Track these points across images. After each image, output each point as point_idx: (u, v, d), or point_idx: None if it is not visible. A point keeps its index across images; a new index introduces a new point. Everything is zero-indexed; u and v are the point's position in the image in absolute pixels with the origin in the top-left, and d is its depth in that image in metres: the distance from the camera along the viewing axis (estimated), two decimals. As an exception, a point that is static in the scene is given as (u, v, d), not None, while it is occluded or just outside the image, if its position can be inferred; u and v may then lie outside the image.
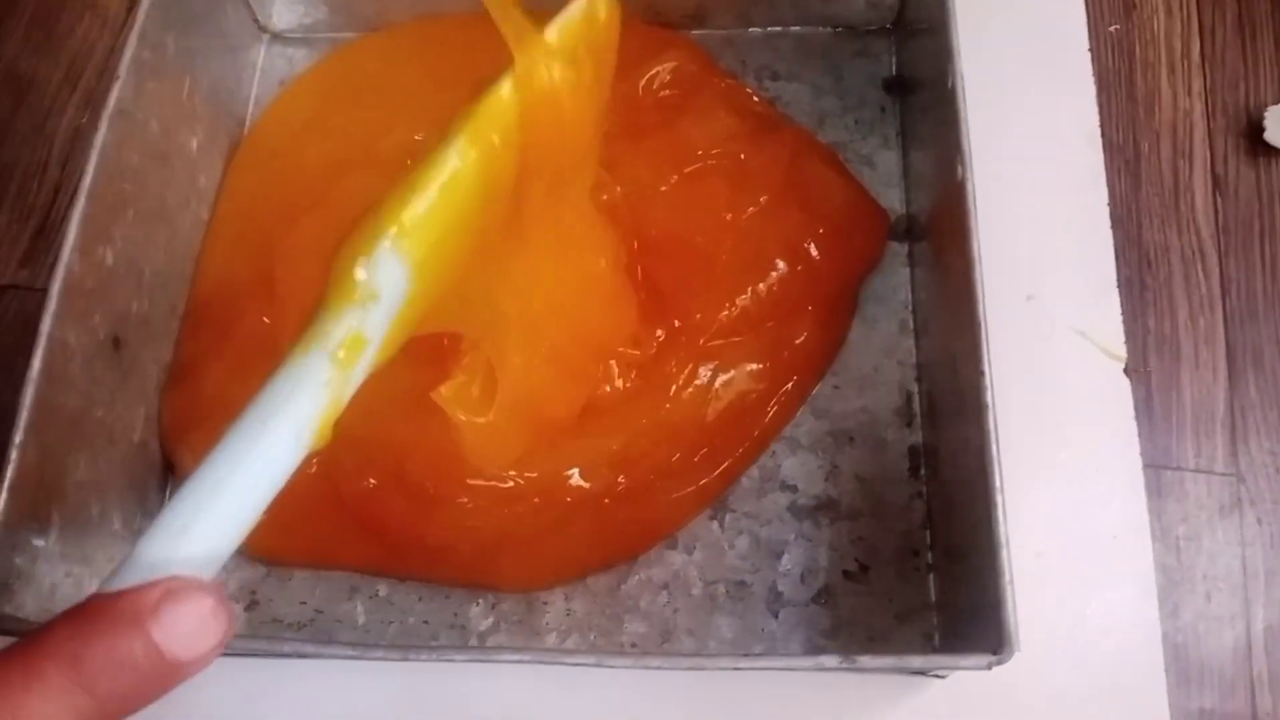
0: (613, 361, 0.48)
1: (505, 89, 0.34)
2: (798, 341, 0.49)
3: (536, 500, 0.46)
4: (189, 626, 0.23)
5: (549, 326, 0.45)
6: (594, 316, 0.47)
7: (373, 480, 0.46)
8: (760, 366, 0.49)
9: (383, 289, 0.30)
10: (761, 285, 0.49)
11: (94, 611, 0.23)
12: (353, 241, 0.30)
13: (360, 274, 0.29)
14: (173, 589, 0.24)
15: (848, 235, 0.51)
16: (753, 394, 0.49)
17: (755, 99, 0.55)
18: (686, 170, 0.51)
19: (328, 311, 0.29)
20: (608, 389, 0.48)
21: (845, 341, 0.51)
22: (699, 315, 0.48)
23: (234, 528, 0.26)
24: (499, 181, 0.35)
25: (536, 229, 0.42)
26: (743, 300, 0.49)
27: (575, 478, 0.46)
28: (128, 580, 0.24)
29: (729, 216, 0.50)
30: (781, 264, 0.49)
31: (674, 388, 0.48)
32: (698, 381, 0.48)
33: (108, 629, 0.23)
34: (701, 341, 0.48)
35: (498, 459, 0.45)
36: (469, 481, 0.46)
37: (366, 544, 0.47)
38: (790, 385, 0.49)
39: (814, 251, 0.50)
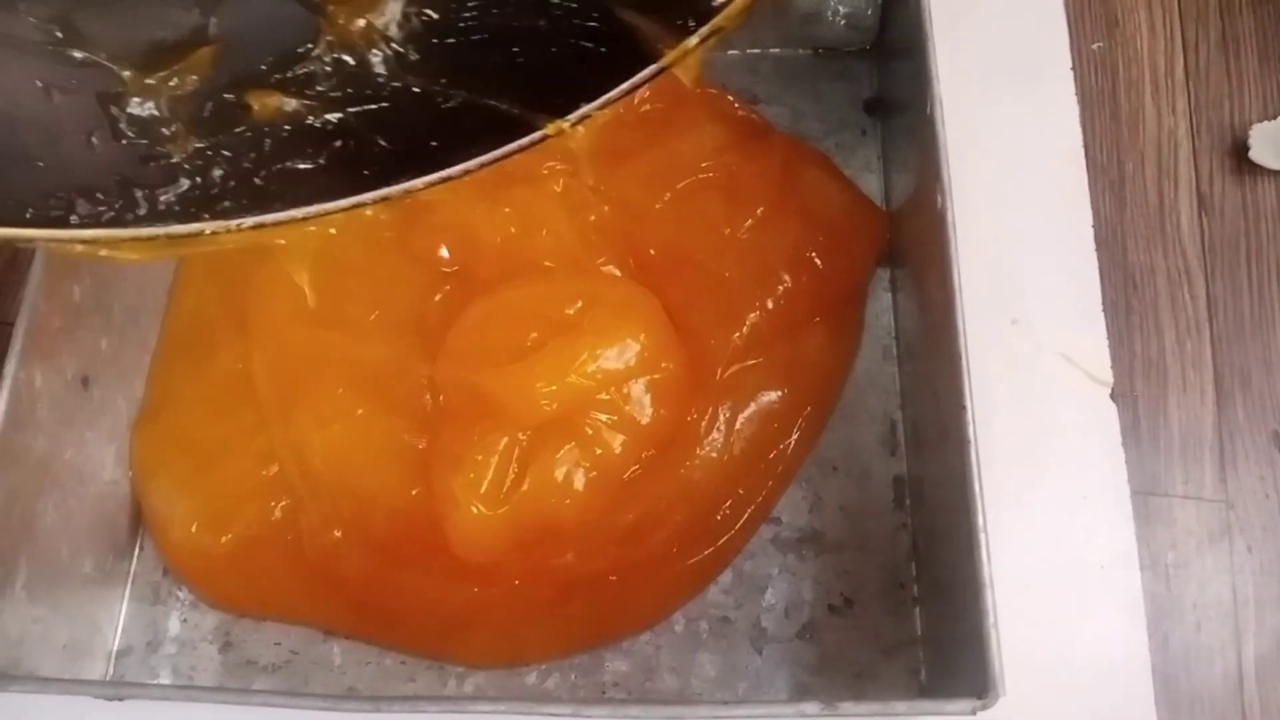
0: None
1: None
2: (813, 358, 0.48)
3: (517, 582, 0.44)
4: None
5: (606, 433, 0.44)
6: (659, 416, 0.45)
7: (337, 532, 0.45)
8: (780, 393, 0.47)
9: None
10: (769, 300, 0.47)
11: None
12: None
13: None
14: None
15: (849, 240, 0.50)
16: (775, 424, 0.47)
17: (738, 107, 0.54)
18: (679, 186, 0.50)
19: None
20: (633, 471, 0.45)
21: (859, 352, 0.50)
22: (712, 340, 0.47)
23: None
24: None
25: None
26: (753, 317, 0.47)
27: (570, 559, 0.44)
28: None
29: (728, 231, 0.49)
30: (787, 276, 0.48)
31: (695, 442, 0.46)
32: (719, 425, 0.46)
33: None
34: (719, 374, 0.47)
35: (483, 551, 0.43)
36: (440, 545, 0.44)
37: (328, 600, 0.46)
38: (810, 408, 0.48)
39: (817, 259, 0.49)
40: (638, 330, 0.44)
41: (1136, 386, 0.50)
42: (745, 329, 0.47)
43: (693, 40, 0.32)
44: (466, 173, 0.32)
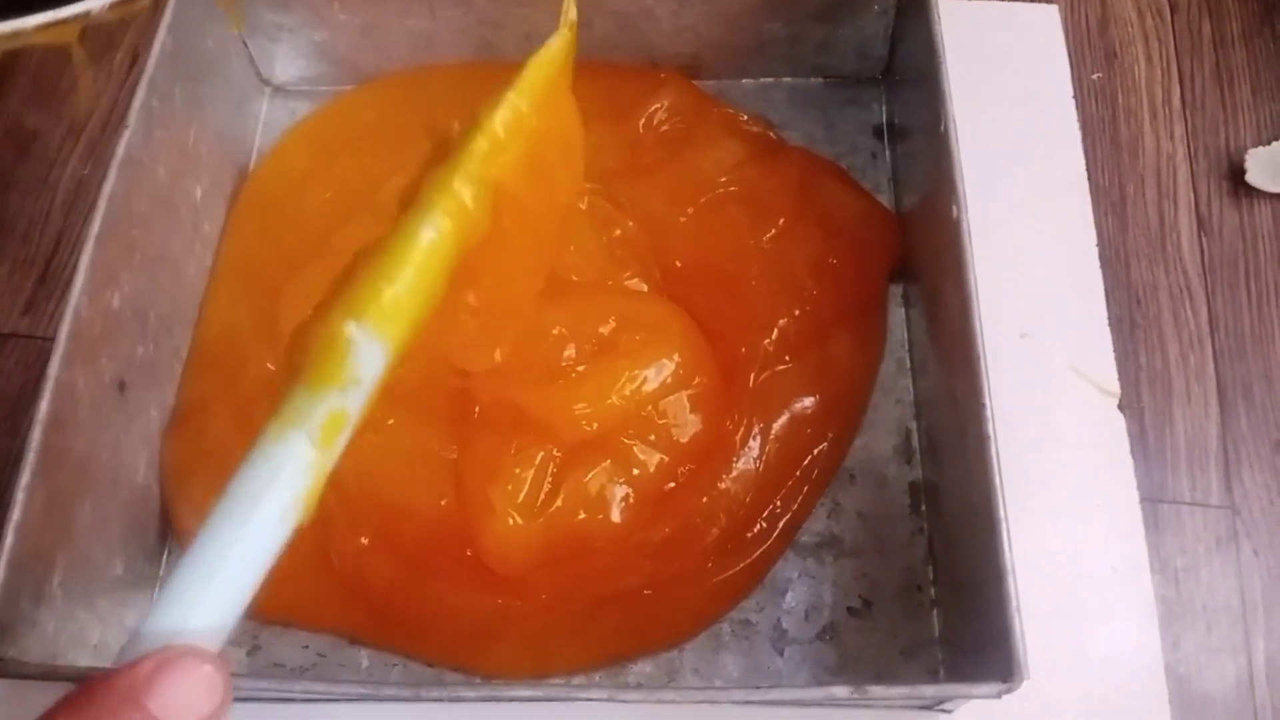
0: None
1: (479, 144, 0.35)
2: (842, 362, 0.49)
3: (545, 597, 0.44)
4: (184, 695, 0.23)
5: (642, 451, 0.45)
6: (695, 430, 0.46)
7: (364, 539, 0.45)
8: (812, 398, 0.48)
9: (364, 372, 0.29)
10: (796, 306, 0.49)
11: (90, 692, 0.23)
12: (330, 322, 0.30)
13: (346, 362, 0.29)
14: (166, 659, 0.24)
15: (868, 244, 0.52)
16: (808, 429, 0.48)
17: (752, 125, 0.56)
18: (702, 200, 0.52)
19: (307, 392, 0.29)
20: (669, 486, 0.46)
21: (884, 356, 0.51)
22: (743, 348, 0.48)
23: (229, 605, 0.26)
24: (472, 241, 0.34)
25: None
26: (782, 323, 0.48)
27: (602, 574, 0.45)
28: (128, 658, 0.24)
29: (751, 241, 0.50)
30: (811, 282, 0.49)
31: (732, 453, 0.46)
32: (754, 434, 0.47)
33: (104, 708, 0.23)
34: (751, 380, 0.48)
35: (515, 563, 0.44)
36: (467, 556, 0.44)
37: (354, 609, 0.46)
38: (841, 413, 0.49)
39: (838, 265, 0.50)
40: (672, 349, 0.46)
41: (1143, 398, 0.51)
42: (775, 334, 0.48)
43: None
44: None
